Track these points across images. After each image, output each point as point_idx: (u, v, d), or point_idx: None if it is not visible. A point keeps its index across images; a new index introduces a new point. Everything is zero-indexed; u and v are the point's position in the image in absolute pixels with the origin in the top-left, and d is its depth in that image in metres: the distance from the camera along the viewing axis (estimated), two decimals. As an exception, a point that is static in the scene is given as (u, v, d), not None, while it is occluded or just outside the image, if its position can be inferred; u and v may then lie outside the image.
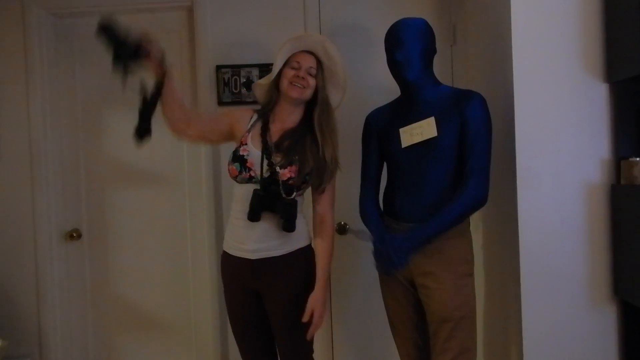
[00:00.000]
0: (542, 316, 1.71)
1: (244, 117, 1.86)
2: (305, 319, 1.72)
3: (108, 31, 1.61)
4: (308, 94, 1.79)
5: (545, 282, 1.71)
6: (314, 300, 1.74)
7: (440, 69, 2.26)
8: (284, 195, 1.71)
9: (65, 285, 2.60)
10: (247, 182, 1.75)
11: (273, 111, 1.85)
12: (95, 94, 2.60)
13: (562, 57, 1.70)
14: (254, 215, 1.71)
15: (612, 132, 1.68)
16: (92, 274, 2.63)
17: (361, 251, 2.44)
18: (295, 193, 1.74)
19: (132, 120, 2.53)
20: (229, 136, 1.87)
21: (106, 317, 2.63)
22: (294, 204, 1.73)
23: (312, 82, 1.78)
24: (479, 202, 1.68)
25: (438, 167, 1.71)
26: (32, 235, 2.53)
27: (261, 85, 1.89)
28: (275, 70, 1.79)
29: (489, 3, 1.97)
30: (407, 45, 1.71)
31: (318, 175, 1.77)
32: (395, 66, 1.75)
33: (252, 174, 1.74)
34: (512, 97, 1.71)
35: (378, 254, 1.71)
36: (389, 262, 1.66)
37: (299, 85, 1.76)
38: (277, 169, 1.73)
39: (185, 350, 2.61)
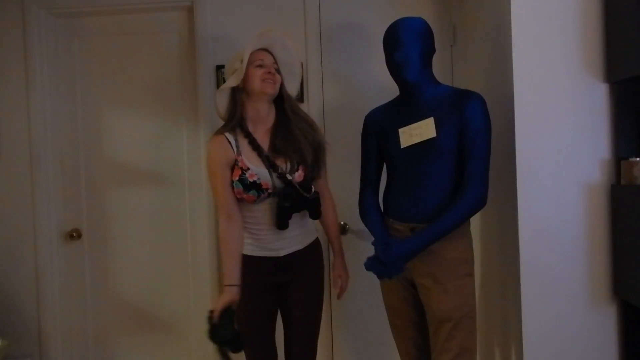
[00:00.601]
0: (542, 316, 1.71)
1: (224, 147, 1.80)
2: (336, 286, 1.98)
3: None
4: (277, 88, 1.84)
5: (545, 282, 1.71)
6: (339, 269, 1.99)
7: (440, 69, 2.26)
8: (307, 196, 1.80)
9: (65, 285, 2.60)
10: (264, 200, 1.80)
11: (248, 119, 1.83)
12: (95, 93, 2.60)
13: (562, 57, 1.69)
14: (284, 224, 1.79)
15: (612, 132, 1.68)
16: (92, 274, 2.63)
17: (361, 251, 2.44)
18: (312, 186, 1.84)
19: (131, 121, 2.58)
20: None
21: (106, 317, 2.63)
22: (317, 196, 1.84)
23: (278, 77, 1.84)
24: (478, 206, 1.68)
25: (437, 167, 1.71)
26: (32, 235, 2.53)
27: (226, 91, 1.83)
28: (243, 69, 1.78)
29: (489, 3, 1.97)
30: (406, 46, 1.71)
31: (316, 160, 1.85)
32: (394, 67, 1.75)
33: (270, 192, 1.78)
34: (512, 97, 1.71)
35: (375, 259, 1.69)
36: (385, 269, 1.66)
37: (270, 81, 1.80)
38: (288, 176, 1.78)
39: (185, 351, 2.61)
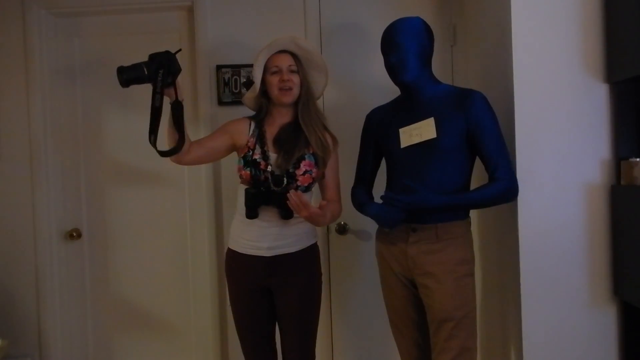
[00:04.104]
0: (542, 316, 1.71)
1: (242, 125, 1.91)
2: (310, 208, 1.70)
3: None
4: (297, 92, 1.85)
5: (545, 282, 1.71)
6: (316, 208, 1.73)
7: (440, 69, 2.26)
8: (275, 189, 1.78)
9: (65, 285, 2.60)
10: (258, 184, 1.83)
11: (268, 117, 1.91)
12: (96, 93, 2.60)
13: (562, 58, 1.70)
14: (251, 213, 1.80)
15: (612, 132, 1.68)
16: (92, 274, 2.62)
17: (361, 251, 2.45)
18: (285, 182, 1.79)
19: (132, 120, 2.58)
20: (231, 150, 1.94)
21: (106, 317, 2.63)
22: (285, 193, 1.75)
23: (296, 79, 1.85)
24: (512, 193, 1.67)
25: (438, 168, 1.70)
26: (32, 235, 2.52)
27: (249, 99, 1.94)
28: (257, 81, 1.85)
29: (489, 3, 1.98)
30: (402, 47, 1.71)
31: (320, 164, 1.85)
32: (391, 69, 1.76)
33: (265, 175, 1.82)
34: (512, 97, 1.71)
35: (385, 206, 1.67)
36: (389, 213, 1.65)
37: (287, 88, 1.82)
38: (269, 168, 1.81)
39: (185, 350, 2.61)
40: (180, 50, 1.79)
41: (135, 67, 1.72)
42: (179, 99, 1.76)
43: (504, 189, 1.65)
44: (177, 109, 1.77)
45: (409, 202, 1.61)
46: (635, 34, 1.50)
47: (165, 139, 1.83)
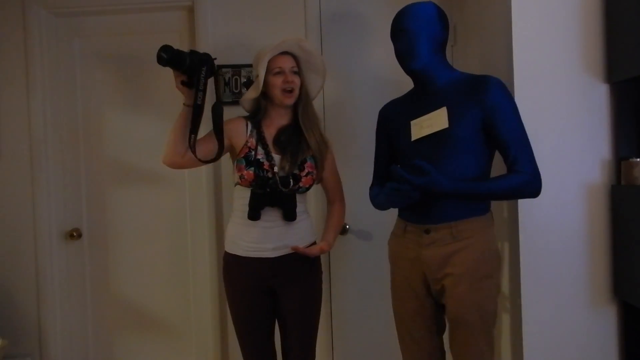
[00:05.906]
0: (542, 316, 1.71)
1: (239, 125, 1.89)
2: (312, 250, 1.84)
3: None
4: (297, 94, 1.86)
5: (545, 282, 1.71)
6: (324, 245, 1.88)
7: (441, 69, 2.26)
8: (282, 190, 1.79)
9: (65, 285, 2.60)
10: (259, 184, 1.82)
11: (266, 118, 1.90)
12: (96, 93, 2.60)
13: (563, 58, 1.70)
14: (254, 214, 1.80)
15: (613, 132, 1.69)
16: (92, 274, 2.62)
17: (361, 251, 2.45)
18: (292, 184, 1.80)
19: (132, 120, 2.58)
20: (228, 150, 1.91)
21: (106, 317, 2.63)
22: (292, 195, 1.81)
23: (297, 81, 1.86)
24: (533, 188, 1.53)
25: (452, 161, 1.58)
26: (32, 235, 2.53)
27: (248, 100, 1.91)
28: (261, 81, 1.83)
29: (490, 3, 1.98)
30: (410, 34, 1.61)
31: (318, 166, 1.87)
32: (399, 57, 1.67)
33: (269, 175, 1.82)
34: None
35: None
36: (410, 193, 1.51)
37: (289, 89, 1.83)
38: (275, 169, 1.81)
39: (185, 350, 2.61)
40: (216, 58, 1.82)
41: (180, 52, 1.72)
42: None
43: (523, 183, 1.52)
44: (218, 110, 1.79)
45: (419, 185, 1.47)
46: (635, 34, 1.51)
47: (171, 143, 1.79)
